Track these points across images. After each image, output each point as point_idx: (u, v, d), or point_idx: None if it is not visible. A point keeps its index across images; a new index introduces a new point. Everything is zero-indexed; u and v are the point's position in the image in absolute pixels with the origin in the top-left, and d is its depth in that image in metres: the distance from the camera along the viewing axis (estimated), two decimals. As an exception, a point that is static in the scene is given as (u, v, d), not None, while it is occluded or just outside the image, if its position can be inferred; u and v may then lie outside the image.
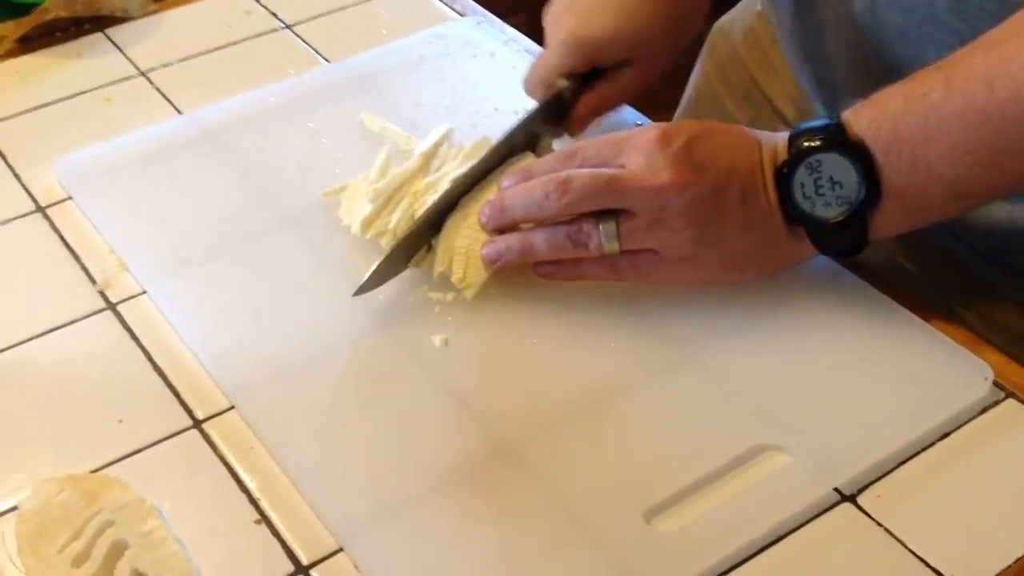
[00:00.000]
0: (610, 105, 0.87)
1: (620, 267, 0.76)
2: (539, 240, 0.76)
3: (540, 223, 0.76)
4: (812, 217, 0.73)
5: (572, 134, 0.86)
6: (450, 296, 0.78)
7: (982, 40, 0.69)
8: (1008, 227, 0.83)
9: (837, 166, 0.72)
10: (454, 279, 0.78)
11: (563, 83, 0.84)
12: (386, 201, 0.82)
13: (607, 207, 0.74)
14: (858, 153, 0.71)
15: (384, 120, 0.92)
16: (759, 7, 1.02)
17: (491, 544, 0.65)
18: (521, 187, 0.77)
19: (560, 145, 0.86)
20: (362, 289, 0.77)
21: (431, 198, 0.80)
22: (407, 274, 0.79)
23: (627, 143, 0.75)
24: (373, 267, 0.77)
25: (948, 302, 0.84)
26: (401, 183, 0.83)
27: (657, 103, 0.98)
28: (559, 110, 0.84)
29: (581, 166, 0.76)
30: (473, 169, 0.80)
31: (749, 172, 0.74)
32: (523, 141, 0.83)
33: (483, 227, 0.78)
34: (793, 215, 0.74)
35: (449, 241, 0.78)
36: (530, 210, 0.76)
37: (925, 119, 0.70)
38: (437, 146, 0.86)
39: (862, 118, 0.72)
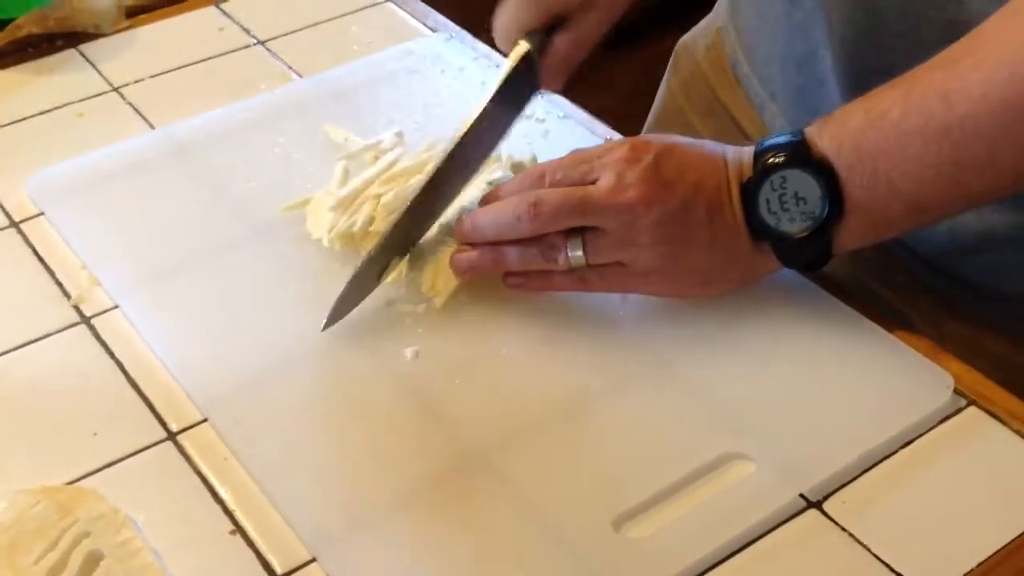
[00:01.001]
0: (576, 53, 0.86)
1: (588, 279, 0.78)
2: (510, 252, 0.77)
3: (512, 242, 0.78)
4: (777, 232, 0.75)
5: (549, 89, 0.86)
6: (421, 307, 0.79)
7: (940, 57, 0.71)
8: (949, 239, 0.85)
9: (801, 182, 0.73)
10: (423, 288, 0.79)
11: (526, 44, 0.83)
12: (349, 209, 0.83)
13: (577, 225, 0.76)
14: (822, 170, 0.72)
15: (347, 131, 0.93)
16: (719, 23, 1.04)
17: (463, 552, 0.66)
18: (492, 208, 0.78)
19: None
20: (332, 319, 0.77)
21: (391, 196, 0.81)
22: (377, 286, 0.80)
23: (597, 161, 0.76)
24: (337, 296, 0.77)
25: (905, 314, 0.86)
26: (362, 189, 0.84)
27: (625, 119, 0.99)
28: (528, 69, 0.84)
29: (550, 186, 0.77)
30: (438, 169, 0.80)
31: (715, 188, 0.75)
32: (484, 135, 0.83)
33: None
34: (759, 230, 0.75)
35: (420, 251, 0.79)
36: (501, 230, 0.77)
37: (885, 136, 0.71)
38: (391, 148, 0.88)
39: (824, 135, 0.73)
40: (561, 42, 0.84)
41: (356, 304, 0.78)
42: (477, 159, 0.82)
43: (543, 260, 0.77)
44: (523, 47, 0.83)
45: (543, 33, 0.84)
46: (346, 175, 0.87)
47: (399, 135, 0.90)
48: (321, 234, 0.83)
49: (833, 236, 0.74)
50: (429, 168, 0.80)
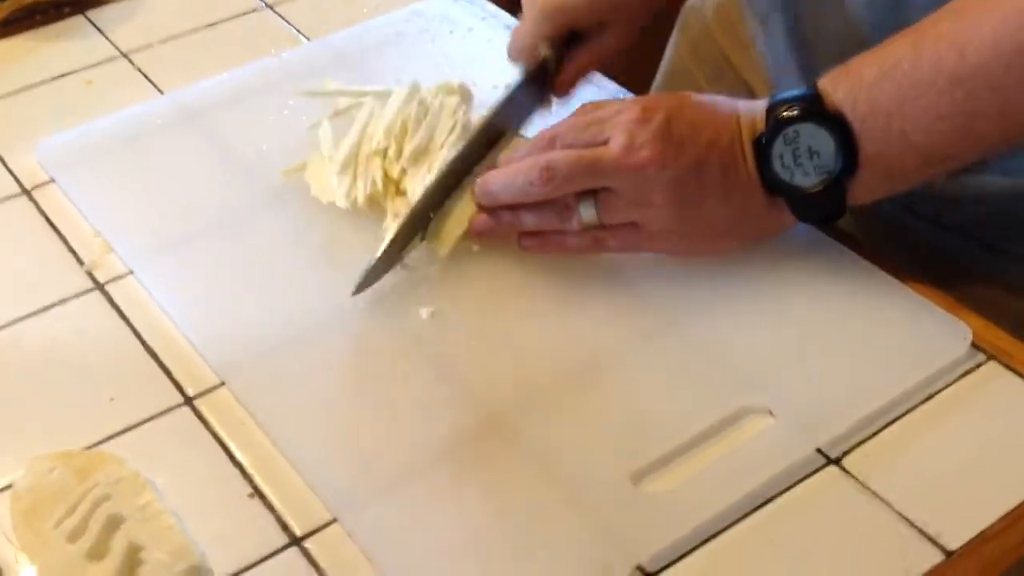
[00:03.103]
0: (592, 67, 0.87)
1: (602, 240, 0.77)
2: (525, 214, 0.77)
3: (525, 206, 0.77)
4: (791, 187, 0.74)
5: (559, 96, 0.86)
6: (434, 267, 0.79)
7: (949, 7, 0.70)
8: (973, 200, 0.84)
9: (815, 136, 0.73)
10: (428, 237, 0.79)
11: (544, 51, 0.84)
12: (353, 167, 0.83)
13: (590, 187, 0.75)
14: (835, 123, 0.72)
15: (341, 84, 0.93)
16: None
17: (482, 512, 0.66)
18: (504, 172, 0.78)
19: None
20: (361, 287, 0.77)
21: (410, 150, 0.82)
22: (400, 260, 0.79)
23: (607, 122, 0.76)
24: (369, 265, 0.77)
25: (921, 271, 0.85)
26: (357, 147, 0.84)
27: (634, 79, 0.99)
28: (543, 78, 0.85)
29: (562, 149, 0.77)
30: (460, 153, 0.80)
31: (728, 144, 0.75)
32: (510, 117, 0.83)
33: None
34: (772, 185, 0.75)
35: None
36: (514, 195, 0.77)
37: (898, 87, 0.71)
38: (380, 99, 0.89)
39: (839, 88, 0.73)
40: (579, 55, 0.85)
41: (379, 278, 0.78)
42: (493, 150, 0.82)
43: (557, 221, 0.77)
44: (543, 53, 0.84)
45: (562, 43, 0.85)
46: (335, 136, 0.87)
47: (386, 89, 0.90)
48: (333, 198, 0.83)
49: (848, 189, 0.74)
50: (443, 165, 0.80)
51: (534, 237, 0.79)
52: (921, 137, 0.71)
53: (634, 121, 0.74)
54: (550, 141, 0.78)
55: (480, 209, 0.79)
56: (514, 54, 0.86)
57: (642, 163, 0.73)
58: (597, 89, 0.94)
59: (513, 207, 0.78)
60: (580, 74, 0.86)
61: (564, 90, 0.86)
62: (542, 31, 0.84)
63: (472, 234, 0.79)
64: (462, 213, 0.79)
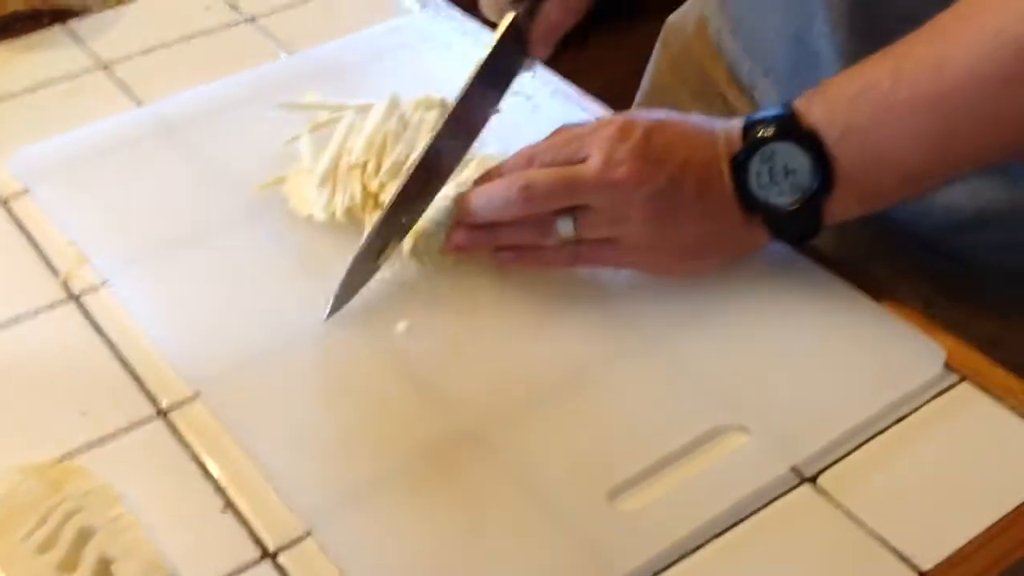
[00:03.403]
0: (565, 19, 0.85)
1: (580, 254, 0.77)
2: (503, 230, 0.78)
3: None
4: (767, 205, 0.75)
5: (537, 55, 0.86)
6: (412, 280, 0.79)
7: (929, 26, 0.71)
8: (944, 217, 0.84)
9: (790, 155, 0.73)
10: (407, 251, 0.79)
11: (513, 11, 0.83)
12: (332, 180, 0.83)
13: (569, 204, 0.75)
14: (811, 142, 0.72)
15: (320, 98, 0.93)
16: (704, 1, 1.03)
17: (457, 527, 0.66)
18: (484, 191, 0.78)
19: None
20: (335, 308, 0.76)
21: (389, 163, 0.82)
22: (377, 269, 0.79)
23: (585, 139, 0.76)
24: (339, 284, 0.76)
25: (896, 290, 0.85)
26: (337, 161, 0.84)
27: (616, 96, 0.99)
28: (517, 38, 0.83)
29: (540, 167, 0.77)
30: (431, 145, 0.79)
31: (705, 162, 0.75)
32: (490, 83, 0.82)
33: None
34: (749, 203, 0.75)
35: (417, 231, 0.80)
36: (494, 213, 0.77)
37: (875, 107, 0.71)
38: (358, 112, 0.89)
39: (814, 107, 0.73)
40: (549, 9, 0.84)
41: (357, 290, 0.77)
42: (471, 132, 0.82)
43: (535, 236, 0.77)
44: (511, 15, 0.83)
45: (531, 4, 0.83)
46: (315, 150, 0.86)
47: (366, 104, 0.90)
48: (312, 211, 0.83)
49: (823, 208, 0.74)
50: (423, 145, 0.80)
51: (511, 251, 0.79)
52: (898, 157, 0.71)
53: (612, 138, 0.75)
54: (528, 160, 0.78)
55: (456, 224, 0.79)
56: (486, 9, 0.85)
57: (620, 180, 0.74)
58: (579, 109, 0.94)
59: (491, 225, 0.78)
60: (554, 28, 0.85)
61: (541, 49, 0.85)
62: None
63: (449, 248, 0.79)
64: (442, 230, 0.79)
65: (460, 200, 0.79)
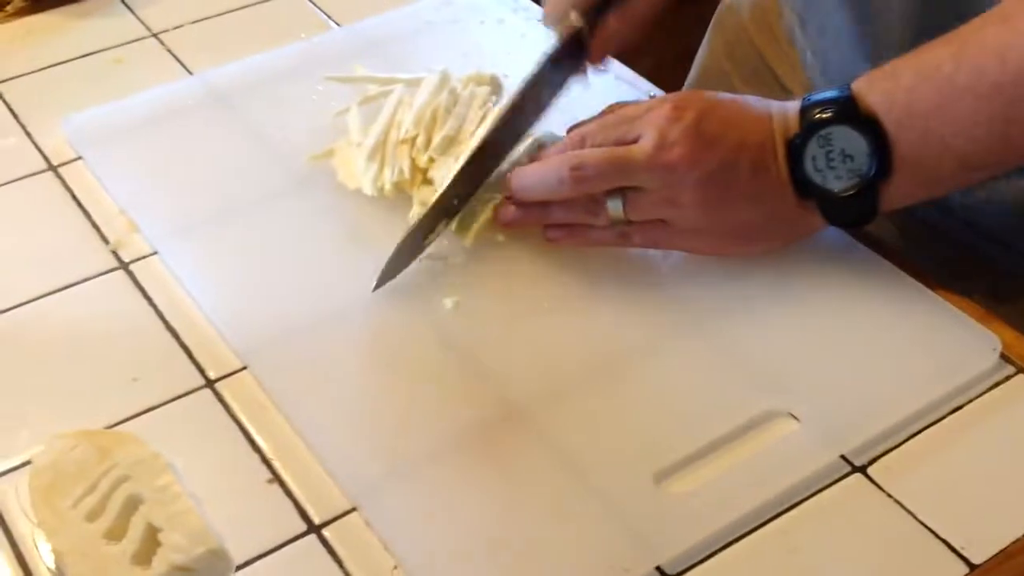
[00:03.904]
0: (627, 33, 0.84)
1: (629, 236, 0.77)
2: (554, 208, 0.77)
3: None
4: (823, 190, 0.74)
5: (594, 64, 0.85)
6: (459, 257, 0.79)
7: (993, 13, 0.70)
8: (1013, 210, 0.83)
9: (848, 139, 0.72)
10: (453, 227, 0.79)
11: (576, 20, 0.82)
12: (381, 154, 0.83)
13: (620, 185, 0.75)
14: (869, 126, 0.71)
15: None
16: None
17: (502, 505, 0.65)
18: (535, 169, 0.78)
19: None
20: (381, 281, 0.76)
21: (439, 139, 0.81)
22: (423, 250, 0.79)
23: (638, 120, 0.75)
24: (390, 256, 0.76)
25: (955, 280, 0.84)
26: (386, 135, 0.84)
27: (666, 79, 0.98)
28: (576, 46, 0.83)
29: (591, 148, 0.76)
30: (489, 136, 0.79)
31: (759, 145, 0.74)
32: (544, 89, 0.82)
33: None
34: (804, 188, 0.74)
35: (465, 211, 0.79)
36: (545, 193, 0.77)
37: (937, 92, 0.70)
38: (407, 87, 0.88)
39: (874, 90, 0.72)
40: (612, 20, 0.83)
41: (404, 267, 0.77)
42: (523, 126, 0.81)
43: (585, 215, 0.76)
44: (574, 22, 0.82)
45: (593, 11, 0.83)
46: (364, 123, 0.86)
47: (415, 78, 0.90)
48: (360, 184, 0.82)
49: (880, 193, 0.73)
50: (478, 137, 0.79)
51: (560, 229, 0.78)
52: (958, 143, 0.70)
53: (665, 119, 0.74)
54: (580, 140, 0.77)
55: (507, 200, 0.79)
56: (548, 22, 0.85)
57: (672, 162, 0.73)
58: (630, 87, 0.93)
59: (543, 203, 0.77)
60: (613, 40, 0.84)
61: (598, 58, 0.84)
62: None
63: (499, 223, 0.78)
64: (489, 204, 0.79)
65: (511, 178, 0.78)
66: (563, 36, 0.82)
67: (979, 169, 0.73)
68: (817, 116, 0.73)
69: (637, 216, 0.75)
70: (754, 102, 0.77)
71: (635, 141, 0.74)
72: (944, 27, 0.71)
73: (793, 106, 0.75)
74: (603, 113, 0.80)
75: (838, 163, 0.73)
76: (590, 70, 0.85)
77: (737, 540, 0.64)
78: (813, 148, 0.73)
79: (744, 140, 0.74)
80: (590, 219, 0.76)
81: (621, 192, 0.75)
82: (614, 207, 0.75)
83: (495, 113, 0.81)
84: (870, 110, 0.72)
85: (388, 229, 0.79)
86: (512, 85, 0.88)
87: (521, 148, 0.81)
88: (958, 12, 0.72)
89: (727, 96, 0.77)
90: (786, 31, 0.99)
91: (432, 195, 0.79)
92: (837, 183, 0.73)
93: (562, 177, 0.75)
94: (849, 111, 0.72)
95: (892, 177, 0.72)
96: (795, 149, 0.74)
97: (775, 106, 0.76)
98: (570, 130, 0.81)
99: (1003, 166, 0.74)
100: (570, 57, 0.83)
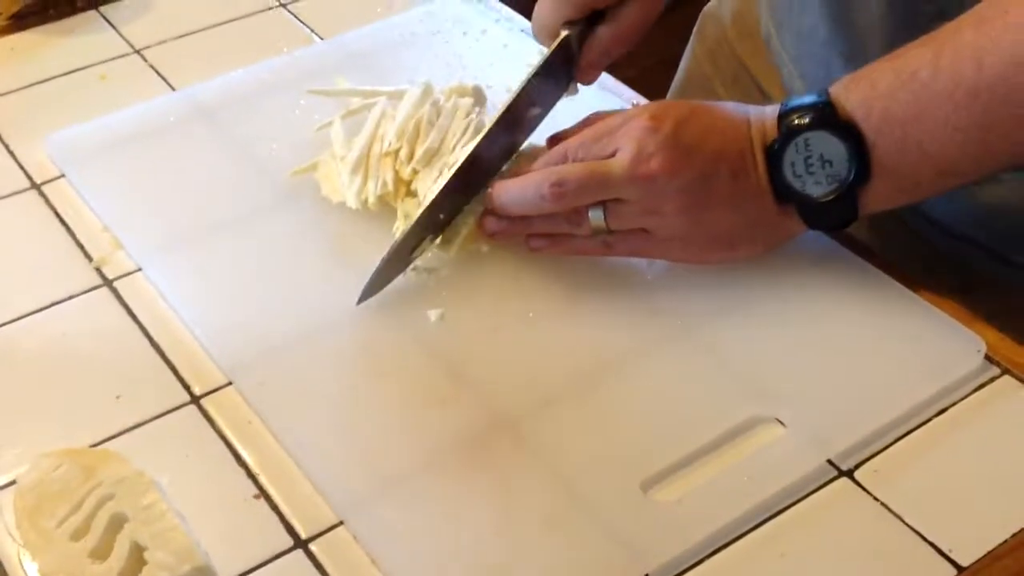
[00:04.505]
0: (616, 47, 0.84)
1: (612, 244, 0.77)
2: (536, 221, 0.77)
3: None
4: (802, 195, 0.74)
5: (584, 82, 0.85)
6: (444, 270, 0.79)
7: (969, 15, 0.70)
8: (986, 212, 0.84)
9: (827, 144, 0.72)
10: (438, 241, 0.79)
11: (565, 32, 0.82)
12: (364, 167, 0.83)
13: (601, 199, 0.75)
14: (848, 132, 0.71)
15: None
16: None
17: (489, 516, 0.65)
18: (515, 184, 0.77)
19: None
20: (367, 293, 0.76)
21: (422, 151, 0.81)
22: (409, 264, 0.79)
23: (616, 133, 0.75)
24: (375, 269, 0.76)
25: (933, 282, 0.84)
26: (369, 148, 0.83)
27: (650, 86, 0.98)
28: (566, 60, 0.83)
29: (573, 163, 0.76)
30: (476, 151, 0.79)
31: (739, 152, 0.74)
32: (532, 103, 0.81)
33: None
34: (783, 193, 0.74)
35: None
36: (526, 208, 0.77)
37: (915, 97, 0.70)
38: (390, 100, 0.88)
39: (852, 96, 0.72)
40: (601, 34, 0.83)
41: (389, 281, 0.77)
42: (512, 143, 0.81)
43: (567, 226, 0.77)
44: (563, 35, 0.82)
45: (583, 25, 0.82)
46: (347, 135, 0.86)
47: (397, 90, 0.89)
48: (344, 198, 0.82)
49: (859, 198, 0.73)
50: (465, 152, 0.79)
51: (543, 238, 0.78)
52: (936, 149, 0.70)
53: (643, 130, 0.74)
54: (562, 156, 0.77)
55: (490, 212, 0.78)
56: (537, 35, 0.84)
57: (652, 173, 0.73)
58: (613, 95, 0.94)
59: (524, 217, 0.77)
60: (604, 55, 0.84)
61: (589, 74, 0.84)
62: (563, 12, 0.82)
63: (482, 235, 0.78)
64: (471, 216, 0.79)
65: (492, 194, 0.78)
66: (553, 50, 0.82)
67: (958, 174, 0.73)
68: (796, 122, 0.73)
69: (618, 226, 0.75)
70: (731, 108, 0.77)
71: (615, 155, 0.75)
72: (922, 29, 0.71)
73: (771, 111, 0.75)
74: (583, 123, 0.80)
75: (817, 168, 0.73)
76: (579, 85, 0.85)
77: (725, 547, 0.64)
78: (792, 154, 0.73)
79: (723, 148, 0.74)
80: (573, 229, 0.76)
81: (602, 204, 0.75)
82: (595, 217, 0.75)
83: (484, 128, 0.81)
84: (848, 115, 0.72)
85: (372, 242, 0.79)
86: (496, 96, 0.88)
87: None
88: (935, 14, 0.72)
89: (704, 104, 0.77)
90: (764, 37, 0.99)
91: (416, 208, 0.79)
92: (816, 188, 0.73)
93: (543, 193, 0.75)
94: (827, 117, 0.72)
95: (871, 182, 0.72)
96: (774, 155, 0.74)
97: (753, 112, 0.76)
98: (550, 140, 0.81)
99: (982, 172, 0.74)
100: (559, 71, 0.83)
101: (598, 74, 0.85)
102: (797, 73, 0.94)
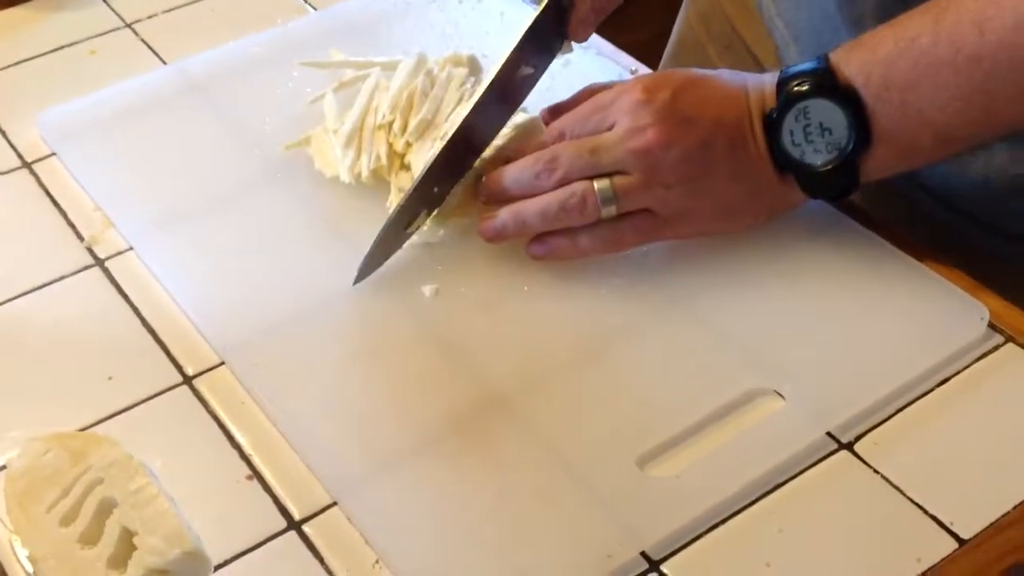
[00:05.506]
0: (607, 5, 0.83)
1: (620, 230, 0.75)
2: (532, 214, 0.75)
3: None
4: (802, 164, 0.73)
5: (577, 39, 0.83)
6: (439, 244, 0.78)
7: None
8: (983, 186, 0.82)
9: (826, 112, 0.71)
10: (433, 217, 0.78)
11: None
12: (358, 141, 0.82)
13: (598, 172, 0.73)
14: (848, 99, 0.70)
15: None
16: None
17: (485, 494, 0.65)
18: (512, 167, 0.76)
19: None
20: (362, 274, 0.75)
21: (415, 123, 0.80)
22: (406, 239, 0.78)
23: (611, 107, 0.74)
24: (366, 252, 0.75)
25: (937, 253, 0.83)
26: (362, 121, 0.82)
27: (645, 52, 0.97)
28: (558, 18, 0.81)
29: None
30: (466, 120, 0.77)
31: (736, 121, 0.73)
32: (526, 61, 0.80)
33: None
34: (783, 162, 0.73)
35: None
36: (524, 189, 0.75)
37: (915, 64, 0.69)
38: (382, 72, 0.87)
39: (852, 62, 0.71)
40: None
41: (387, 258, 0.76)
42: (508, 106, 0.80)
43: (566, 213, 0.74)
44: None
45: None
46: (340, 109, 0.85)
47: (392, 61, 0.88)
48: (338, 172, 0.81)
49: (860, 166, 0.72)
50: (458, 118, 0.78)
51: (543, 245, 0.76)
52: (937, 115, 0.69)
53: (637, 103, 0.73)
54: (559, 136, 0.76)
55: (487, 202, 0.77)
56: None
57: (648, 145, 0.72)
58: (611, 62, 0.92)
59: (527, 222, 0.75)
60: (596, 12, 0.82)
61: (581, 31, 0.82)
62: None
63: (482, 238, 0.76)
64: (460, 187, 0.78)
65: (486, 184, 0.77)
66: (543, 7, 0.80)
67: (959, 141, 0.72)
68: (795, 89, 0.72)
69: (624, 204, 0.74)
70: (729, 77, 0.75)
71: (610, 129, 0.73)
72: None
73: (770, 79, 0.74)
74: (577, 97, 0.79)
75: (816, 136, 0.71)
76: (572, 44, 0.83)
77: (723, 522, 0.64)
78: (791, 122, 0.72)
79: (719, 117, 0.73)
80: (573, 217, 0.74)
81: (608, 177, 0.73)
82: (603, 191, 0.73)
83: (474, 95, 0.79)
84: (848, 82, 0.70)
85: (366, 217, 0.78)
86: (491, 65, 0.87)
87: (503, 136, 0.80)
88: None
89: (701, 73, 0.76)
90: (764, 15, 0.97)
91: (409, 181, 0.78)
92: (816, 157, 0.72)
93: (538, 171, 0.74)
94: (827, 84, 0.71)
95: (871, 149, 0.71)
96: (772, 124, 0.73)
97: (751, 80, 0.75)
98: (547, 111, 0.79)
99: (982, 137, 0.74)
100: (551, 30, 0.81)
101: (591, 31, 0.83)
102: (792, 36, 0.92)
